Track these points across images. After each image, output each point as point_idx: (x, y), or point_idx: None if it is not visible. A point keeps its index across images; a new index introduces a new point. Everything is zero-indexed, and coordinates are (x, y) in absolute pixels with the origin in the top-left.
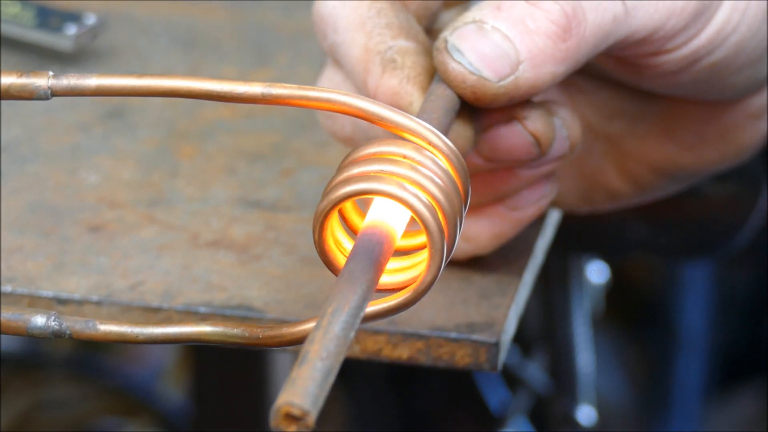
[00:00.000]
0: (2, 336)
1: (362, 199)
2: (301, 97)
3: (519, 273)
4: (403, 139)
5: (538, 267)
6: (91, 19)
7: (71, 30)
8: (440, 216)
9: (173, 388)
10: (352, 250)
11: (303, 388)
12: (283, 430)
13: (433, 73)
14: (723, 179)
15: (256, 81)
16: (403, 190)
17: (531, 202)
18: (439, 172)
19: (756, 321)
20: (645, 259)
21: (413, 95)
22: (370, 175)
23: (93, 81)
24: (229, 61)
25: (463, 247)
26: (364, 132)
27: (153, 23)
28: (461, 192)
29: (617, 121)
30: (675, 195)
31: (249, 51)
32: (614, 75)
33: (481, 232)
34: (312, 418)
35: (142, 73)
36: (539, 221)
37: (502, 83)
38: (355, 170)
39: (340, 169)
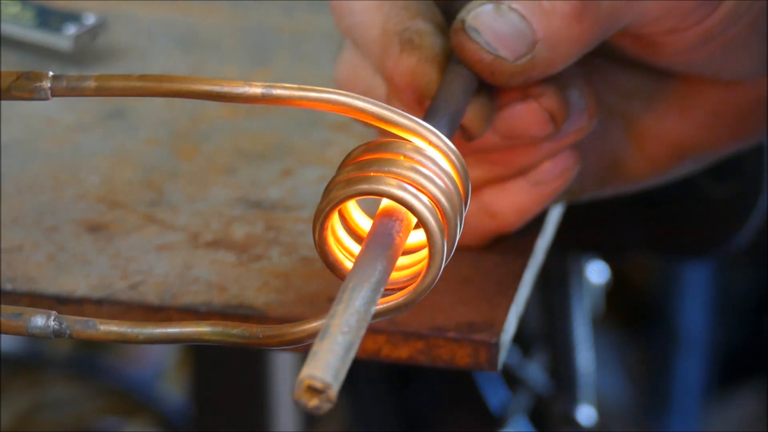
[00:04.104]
0: (2, 336)
1: (362, 199)
2: (301, 97)
3: (519, 273)
4: (404, 139)
5: (538, 267)
6: (91, 19)
7: (71, 30)
8: (440, 216)
9: (173, 388)
10: (370, 230)
11: (324, 361)
12: (305, 403)
13: (450, 54)
14: (723, 179)
15: (256, 81)
16: (404, 191)
17: (554, 175)
18: (440, 173)
19: (756, 321)
20: (645, 259)
21: (431, 75)
22: (371, 176)
23: (93, 81)
24: (229, 61)
25: (488, 223)
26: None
27: (153, 23)
28: (461, 192)
29: (634, 100)
30: (675, 195)
31: (249, 51)
32: (630, 53)
33: (505, 208)
34: (334, 391)
35: (142, 73)
36: (539, 221)
37: (518, 62)
38: (356, 170)
39: (341, 168)
